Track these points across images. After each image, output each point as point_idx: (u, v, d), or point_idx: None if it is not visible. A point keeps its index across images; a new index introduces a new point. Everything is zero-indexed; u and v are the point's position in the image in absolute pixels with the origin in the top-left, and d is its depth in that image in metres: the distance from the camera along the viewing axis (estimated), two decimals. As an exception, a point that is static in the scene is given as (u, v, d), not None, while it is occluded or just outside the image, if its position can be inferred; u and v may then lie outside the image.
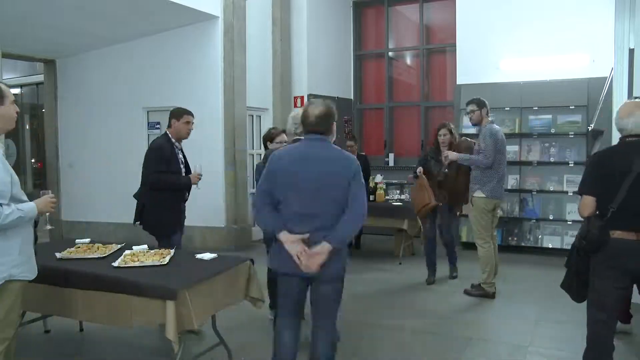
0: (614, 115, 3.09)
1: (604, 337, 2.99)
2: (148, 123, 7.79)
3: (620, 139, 3.02)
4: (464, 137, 5.94)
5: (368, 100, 10.00)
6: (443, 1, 8.94)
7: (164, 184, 4.38)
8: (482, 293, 5.11)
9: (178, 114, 4.55)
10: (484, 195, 4.98)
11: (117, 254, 3.72)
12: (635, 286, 3.04)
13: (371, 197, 6.82)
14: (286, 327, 2.94)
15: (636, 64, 4.87)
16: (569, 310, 4.11)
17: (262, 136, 4.85)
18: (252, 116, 8.13)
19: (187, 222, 4.71)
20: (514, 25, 7.50)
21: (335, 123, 3.15)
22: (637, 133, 2.93)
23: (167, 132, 4.53)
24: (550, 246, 6.94)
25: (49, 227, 2.89)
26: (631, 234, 2.84)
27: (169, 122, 4.54)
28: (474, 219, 5.11)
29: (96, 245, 3.97)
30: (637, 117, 2.93)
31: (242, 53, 7.39)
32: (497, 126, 5.10)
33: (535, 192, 7.14)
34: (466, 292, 5.24)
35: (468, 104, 5.22)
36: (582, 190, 3.04)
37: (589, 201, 2.97)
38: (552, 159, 7.04)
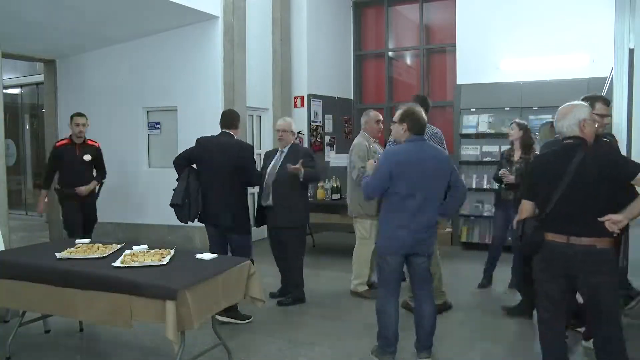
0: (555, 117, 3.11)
1: (550, 338, 3.01)
2: (148, 123, 7.79)
3: (561, 140, 3.03)
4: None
5: (368, 100, 10.00)
6: (443, 1, 8.95)
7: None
8: None
9: (238, 116, 4.84)
10: None
11: (117, 254, 3.71)
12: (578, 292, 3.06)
13: None
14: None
15: (636, 64, 4.86)
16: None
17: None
18: (252, 116, 8.13)
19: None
20: (514, 25, 7.51)
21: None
22: (571, 135, 2.93)
23: (234, 133, 4.71)
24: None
25: None
26: (562, 237, 2.86)
27: (236, 124, 4.74)
28: None
29: (96, 245, 3.96)
30: (570, 120, 2.94)
31: (242, 53, 7.38)
32: None
33: (535, 192, 7.13)
34: None
35: None
36: (522, 195, 3.16)
37: (528, 205, 3.05)
38: (552, 159, 7.02)
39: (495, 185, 5.55)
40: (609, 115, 4.02)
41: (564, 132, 2.96)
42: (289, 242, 4.96)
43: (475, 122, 7.43)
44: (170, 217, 7.17)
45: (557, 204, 2.85)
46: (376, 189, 3.54)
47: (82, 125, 5.82)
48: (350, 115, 9.67)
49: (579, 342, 3.81)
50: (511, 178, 4.98)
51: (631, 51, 5.09)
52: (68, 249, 3.81)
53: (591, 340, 3.23)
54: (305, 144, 8.67)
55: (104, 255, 3.68)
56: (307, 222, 5.22)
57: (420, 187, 3.41)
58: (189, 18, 7.00)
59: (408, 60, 9.90)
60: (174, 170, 4.59)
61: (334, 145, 9.15)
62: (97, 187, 6.10)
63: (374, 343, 3.75)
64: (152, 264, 3.44)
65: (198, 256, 3.68)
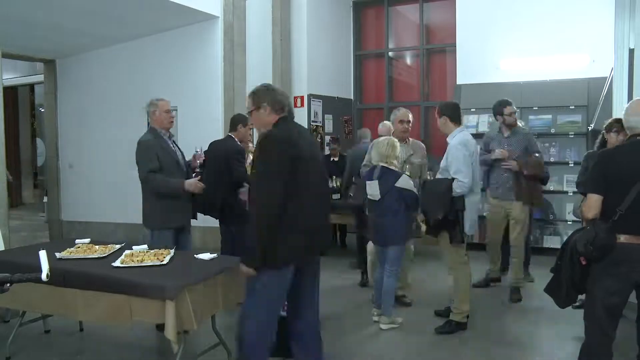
0: (623, 112, 2.95)
1: (604, 347, 2.83)
2: (148, 123, 7.78)
3: (629, 137, 2.88)
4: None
5: (368, 100, 10.00)
6: (443, 1, 8.95)
7: None
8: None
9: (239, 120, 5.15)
10: None
11: (117, 254, 3.71)
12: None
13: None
14: None
15: (636, 64, 4.87)
16: (568, 310, 4.10)
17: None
18: (252, 116, 8.13)
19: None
20: (514, 25, 7.51)
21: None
22: None
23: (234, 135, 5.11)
24: (550, 246, 6.93)
25: None
26: (638, 239, 2.67)
27: (235, 127, 5.11)
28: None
29: (96, 245, 3.97)
30: None
31: (242, 53, 7.38)
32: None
33: (535, 192, 7.12)
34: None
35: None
36: (587, 189, 2.86)
37: (595, 201, 2.77)
38: (552, 159, 7.02)
39: None
40: None
41: (637, 128, 2.81)
42: None
43: (475, 122, 7.43)
44: (170, 217, 7.23)
45: (634, 203, 2.66)
46: None
47: None
48: (350, 115, 9.67)
49: None
50: None
51: (631, 51, 5.10)
52: (68, 249, 3.81)
53: None
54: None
55: (104, 255, 3.68)
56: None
57: None
58: (189, 18, 7.01)
59: (408, 60, 9.90)
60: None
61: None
62: None
63: (374, 343, 3.74)
64: (152, 264, 3.44)
65: (198, 256, 3.68)
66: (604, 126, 4.58)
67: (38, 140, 11.22)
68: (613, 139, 4.57)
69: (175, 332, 3.01)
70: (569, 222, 6.90)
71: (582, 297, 3.19)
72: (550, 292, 3.09)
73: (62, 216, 8.30)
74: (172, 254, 3.66)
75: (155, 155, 4.16)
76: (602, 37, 6.54)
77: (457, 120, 4.26)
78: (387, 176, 4.22)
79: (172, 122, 4.54)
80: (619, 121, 4.73)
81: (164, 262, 3.47)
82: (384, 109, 9.61)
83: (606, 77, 6.21)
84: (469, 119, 7.48)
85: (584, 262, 2.82)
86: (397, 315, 4.47)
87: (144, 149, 4.21)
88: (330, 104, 9.07)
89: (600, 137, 4.92)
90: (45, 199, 9.24)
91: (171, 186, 4.18)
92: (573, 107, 6.97)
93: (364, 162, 5.00)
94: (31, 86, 11.57)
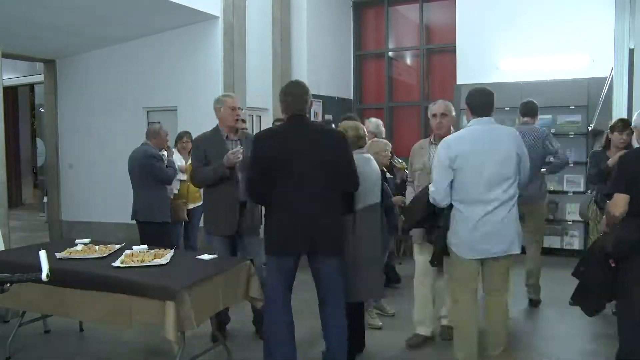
0: None
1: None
2: (148, 123, 7.78)
3: None
4: None
5: (368, 100, 10.00)
6: (443, 1, 8.95)
7: None
8: None
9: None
10: None
11: (117, 254, 3.72)
12: None
13: None
14: None
15: (636, 64, 4.87)
16: (568, 309, 4.11)
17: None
18: (252, 116, 8.13)
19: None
20: (514, 25, 7.51)
21: None
22: None
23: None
24: (550, 246, 6.93)
25: None
26: None
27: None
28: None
29: (96, 245, 3.97)
30: None
31: (242, 53, 7.38)
32: None
33: (535, 192, 7.12)
34: None
35: None
36: (613, 189, 2.89)
37: (621, 199, 2.81)
38: (552, 159, 7.01)
39: None
40: None
41: None
42: None
43: (475, 122, 7.42)
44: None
45: None
46: None
47: None
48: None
49: None
50: None
51: (631, 51, 5.10)
52: (68, 249, 3.81)
53: None
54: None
55: (104, 255, 3.68)
56: None
57: None
58: (189, 18, 7.01)
59: (408, 60, 9.89)
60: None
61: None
62: None
63: (377, 343, 3.72)
64: (152, 264, 3.44)
65: (198, 256, 3.68)
66: (609, 126, 4.63)
67: (38, 140, 11.23)
68: (616, 137, 4.61)
69: (176, 332, 3.01)
70: (569, 222, 6.90)
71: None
72: (577, 301, 3.04)
73: (62, 216, 8.29)
74: (172, 253, 3.67)
75: (203, 151, 4.08)
76: (602, 37, 6.54)
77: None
78: None
79: (238, 120, 4.32)
80: (622, 120, 4.79)
81: (164, 262, 3.47)
82: (384, 109, 9.62)
83: (606, 77, 6.21)
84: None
85: (612, 264, 2.80)
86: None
87: (193, 148, 4.48)
88: (330, 104, 9.06)
89: (605, 136, 4.95)
90: (45, 199, 9.24)
91: (211, 170, 3.92)
92: (573, 107, 6.96)
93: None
94: (31, 86, 11.57)
